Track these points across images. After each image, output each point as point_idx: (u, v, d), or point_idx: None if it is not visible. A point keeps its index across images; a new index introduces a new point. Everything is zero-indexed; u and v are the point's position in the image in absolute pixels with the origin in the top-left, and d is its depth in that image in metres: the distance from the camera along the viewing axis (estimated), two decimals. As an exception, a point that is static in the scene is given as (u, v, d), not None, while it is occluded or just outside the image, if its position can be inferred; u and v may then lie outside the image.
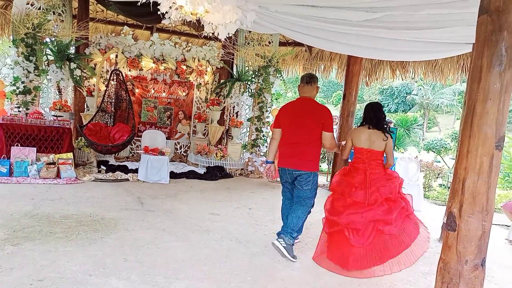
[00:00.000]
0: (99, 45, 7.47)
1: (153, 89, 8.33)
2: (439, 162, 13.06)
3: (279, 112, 3.74)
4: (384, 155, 3.58)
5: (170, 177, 6.40)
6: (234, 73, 8.25)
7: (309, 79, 3.65)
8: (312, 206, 3.70)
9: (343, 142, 3.86)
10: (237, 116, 8.34)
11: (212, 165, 7.40)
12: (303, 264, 3.34)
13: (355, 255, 3.25)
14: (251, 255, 3.41)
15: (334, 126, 8.93)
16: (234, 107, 8.36)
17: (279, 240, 3.40)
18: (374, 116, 3.58)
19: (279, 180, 3.90)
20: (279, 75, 7.88)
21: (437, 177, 8.67)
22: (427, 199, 7.22)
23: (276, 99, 8.30)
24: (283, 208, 3.88)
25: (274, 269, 3.16)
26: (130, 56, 7.66)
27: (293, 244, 3.45)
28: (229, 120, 8.34)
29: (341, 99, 7.43)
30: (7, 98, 6.46)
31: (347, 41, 5.70)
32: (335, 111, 29.05)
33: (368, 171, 3.48)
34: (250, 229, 4.23)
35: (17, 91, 6.13)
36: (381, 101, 31.92)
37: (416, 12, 4.23)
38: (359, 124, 3.74)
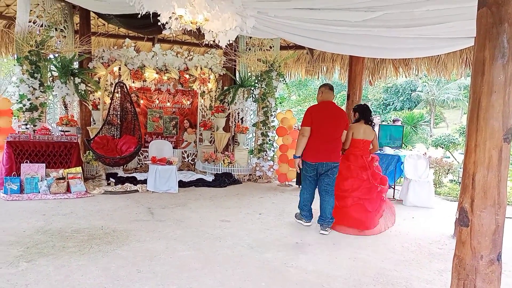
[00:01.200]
0: (102, 59, 7.56)
1: (158, 99, 8.38)
2: (449, 157, 12.93)
3: (311, 113, 4.44)
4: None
5: (179, 186, 6.42)
6: (237, 79, 8.29)
7: (331, 87, 4.59)
8: None
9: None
10: (242, 122, 8.36)
11: (220, 172, 7.41)
12: (316, 267, 3.32)
13: (369, 218, 4.47)
14: (264, 261, 3.41)
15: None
16: (238, 113, 8.39)
17: (326, 230, 4.35)
18: (367, 115, 4.82)
19: (306, 173, 4.54)
20: (282, 79, 7.89)
21: (447, 173, 8.58)
22: (439, 195, 7.16)
23: (280, 103, 8.29)
24: (307, 199, 4.63)
25: (288, 273, 3.15)
26: (133, 68, 7.73)
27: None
28: (235, 126, 8.36)
29: (346, 100, 7.42)
30: (14, 116, 6.53)
31: (348, 42, 5.71)
32: (340, 112, 29.01)
33: (364, 156, 4.74)
34: (261, 234, 4.22)
35: (24, 108, 6.20)
36: (386, 99, 31.81)
37: (415, 9, 4.24)
38: (354, 121, 4.88)
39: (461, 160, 9.50)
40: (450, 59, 7.55)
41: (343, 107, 6.65)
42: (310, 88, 26.71)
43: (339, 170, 4.53)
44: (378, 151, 6.85)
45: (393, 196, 6.66)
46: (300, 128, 4.70)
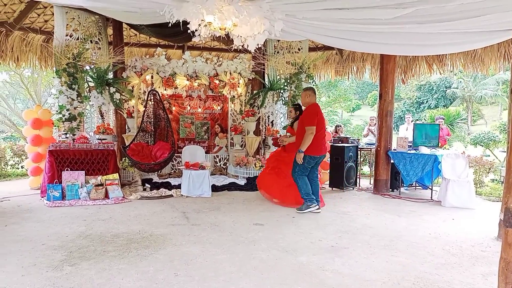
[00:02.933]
0: (135, 68, 7.78)
1: (189, 105, 8.53)
2: (489, 156, 12.42)
3: (317, 113, 5.20)
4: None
5: (212, 190, 6.50)
6: (266, 82, 8.30)
7: (315, 90, 5.55)
8: None
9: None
10: (272, 125, 8.36)
11: (252, 176, 7.42)
12: (353, 270, 3.26)
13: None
14: (300, 264, 3.38)
15: (373, 127, 8.76)
16: (268, 116, 8.39)
17: (320, 208, 5.40)
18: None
19: (307, 166, 5.31)
20: (311, 80, 7.84)
21: (488, 172, 8.22)
22: (480, 196, 6.86)
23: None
24: (308, 185, 5.38)
25: (324, 277, 3.11)
26: (164, 76, 7.91)
27: None
28: (265, 130, 8.37)
29: (377, 99, 7.27)
30: (55, 126, 6.84)
31: (379, 40, 5.61)
32: (372, 112, 28.42)
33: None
34: (296, 237, 4.19)
35: (63, 118, 6.48)
36: (419, 98, 30.93)
37: (448, 4, 4.10)
38: (295, 119, 5.76)
39: (503, 158, 9.10)
40: (487, 53, 7.23)
41: (375, 107, 6.59)
42: (340, 88, 26.42)
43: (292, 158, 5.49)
44: (413, 151, 6.69)
45: (431, 197, 6.45)
46: (308, 127, 5.18)
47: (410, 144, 7.07)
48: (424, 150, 6.66)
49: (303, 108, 5.63)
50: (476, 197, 6.38)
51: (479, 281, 3.11)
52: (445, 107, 28.09)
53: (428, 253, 3.77)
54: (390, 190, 7.12)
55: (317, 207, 5.36)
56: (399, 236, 4.29)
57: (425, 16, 4.55)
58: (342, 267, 3.34)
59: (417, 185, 7.53)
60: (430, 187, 6.66)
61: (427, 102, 30.49)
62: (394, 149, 7.07)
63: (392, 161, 6.98)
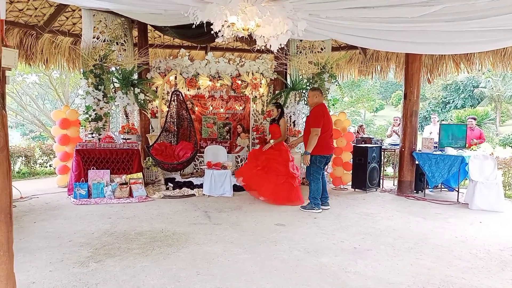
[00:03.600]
0: (159, 69, 7.92)
1: (211, 106, 8.60)
2: (519, 157, 11.97)
3: (323, 114, 5.35)
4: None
5: (233, 190, 6.53)
6: (288, 82, 8.28)
7: (322, 91, 5.76)
8: None
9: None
10: (294, 125, 8.33)
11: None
12: (377, 273, 3.21)
13: None
14: (321, 265, 3.36)
15: (396, 127, 8.62)
16: (290, 116, 8.36)
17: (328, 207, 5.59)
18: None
19: (320, 165, 5.43)
20: (334, 80, 7.77)
21: (518, 174, 7.93)
22: (508, 198, 6.64)
23: (333, 105, 8.15)
24: (320, 190, 5.46)
25: (347, 279, 3.07)
26: (188, 77, 8.01)
27: None
28: (287, 130, 8.33)
29: (402, 99, 7.14)
30: (82, 126, 7.02)
31: (405, 39, 5.50)
32: (396, 112, 27.88)
33: None
34: (317, 238, 4.16)
35: (90, 118, 6.64)
36: (445, 97, 30.17)
37: (477, 1, 3.98)
38: (278, 117, 6.16)
39: (534, 160, 8.73)
40: (518, 51, 6.99)
41: (399, 107, 6.49)
42: (363, 88, 26.02)
43: (287, 155, 6.08)
44: (439, 152, 6.53)
45: (457, 199, 6.28)
46: (313, 128, 5.30)
47: (435, 145, 6.90)
48: (450, 151, 6.49)
49: (310, 108, 5.80)
50: (505, 200, 6.18)
51: (509, 286, 3.01)
52: (472, 107, 27.30)
53: (455, 256, 3.67)
54: (415, 191, 6.97)
55: (320, 211, 5.40)
56: (424, 239, 4.20)
57: (453, 14, 4.43)
58: (365, 269, 3.29)
59: (442, 187, 7.35)
60: (457, 189, 6.48)
61: (453, 102, 29.70)
62: (419, 150, 6.92)
63: (416, 162, 6.84)
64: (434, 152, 6.57)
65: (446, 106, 29.83)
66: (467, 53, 7.53)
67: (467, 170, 6.10)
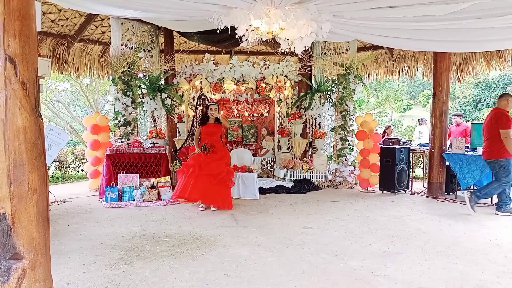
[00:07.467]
0: (185, 74, 8.06)
1: (236, 109, 8.67)
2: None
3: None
4: None
5: (260, 193, 6.55)
6: (313, 84, 8.24)
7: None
8: None
9: None
10: (319, 128, 8.28)
11: (299, 179, 7.40)
12: (407, 277, 3.15)
13: None
14: (350, 269, 3.32)
15: (420, 126, 8.43)
16: (315, 118, 8.32)
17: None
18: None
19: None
20: (360, 81, 7.67)
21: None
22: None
23: (359, 106, 8.05)
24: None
25: (376, 283, 3.02)
26: (213, 81, 8.12)
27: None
28: (312, 132, 8.30)
29: (431, 99, 6.97)
30: (111, 131, 7.23)
31: (433, 37, 5.37)
32: (424, 112, 27.16)
33: None
34: (345, 241, 4.12)
35: (119, 124, 6.84)
36: (477, 96, 29.14)
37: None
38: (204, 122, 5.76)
39: None
40: (554, 47, 6.69)
41: (427, 107, 6.35)
42: (389, 88, 25.52)
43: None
44: (471, 153, 6.33)
45: (491, 201, 6.07)
46: (505, 130, 5.21)
47: (467, 145, 6.69)
48: (482, 151, 6.26)
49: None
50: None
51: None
52: (505, 106, 26.20)
53: (489, 260, 3.55)
54: (446, 193, 6.79)
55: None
56: (456, 242, 4.08)
57: (484, 11, 4.29)
58: (395, 273, 3.23)
59: (475, 188, 7.10)
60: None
61: (485, 100, 28.64)
62: (449, 150, 6.73)
63: (447, 163, 6.65)
64: (466, 153, 6.37)
65: (478, 105, 28.80)
66: (499, 50, 7.27)
67: (501, 171, 5.86)
